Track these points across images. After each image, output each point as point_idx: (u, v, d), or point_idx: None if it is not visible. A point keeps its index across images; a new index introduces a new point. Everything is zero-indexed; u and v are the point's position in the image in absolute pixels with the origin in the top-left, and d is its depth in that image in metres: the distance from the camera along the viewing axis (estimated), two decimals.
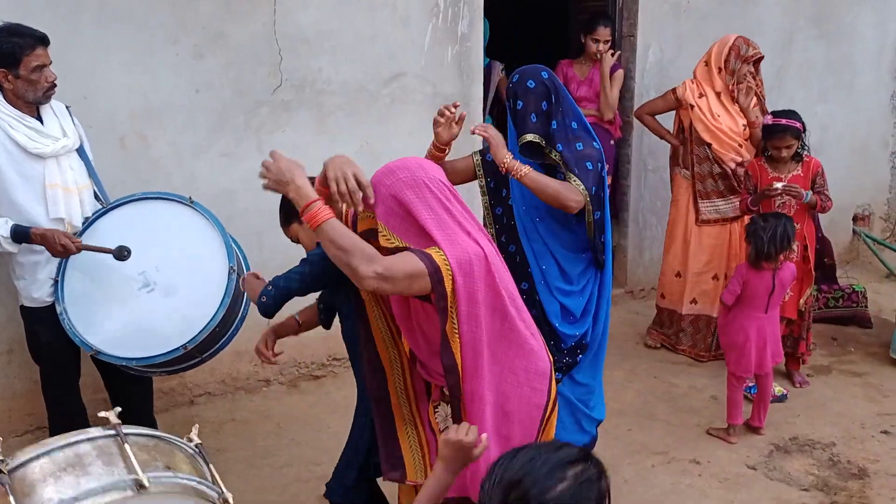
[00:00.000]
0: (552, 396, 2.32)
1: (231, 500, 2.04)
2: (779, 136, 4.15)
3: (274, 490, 3.46)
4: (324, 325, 2.82)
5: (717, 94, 4.57)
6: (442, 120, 2.87)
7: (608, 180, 3.44)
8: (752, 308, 3.87)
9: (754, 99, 4.60)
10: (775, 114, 4.23)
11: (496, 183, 3.08)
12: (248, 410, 4.15)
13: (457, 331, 2.12)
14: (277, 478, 3.55)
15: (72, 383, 3.31)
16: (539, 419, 2.29)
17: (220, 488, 2.05)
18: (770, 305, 3.87)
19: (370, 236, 2.16)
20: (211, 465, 2.13)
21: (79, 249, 3.00)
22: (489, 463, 1.91)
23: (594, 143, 2.97)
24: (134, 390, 3.36)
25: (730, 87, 4.53)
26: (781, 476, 3.60)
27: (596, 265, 3.10)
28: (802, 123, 4.19)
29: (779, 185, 4.12)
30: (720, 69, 4.53)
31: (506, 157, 2.84)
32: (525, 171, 2.83)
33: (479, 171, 3.09)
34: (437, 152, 2.96)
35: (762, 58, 4.59)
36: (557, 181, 2.88)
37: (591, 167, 2.92)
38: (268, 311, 2.59)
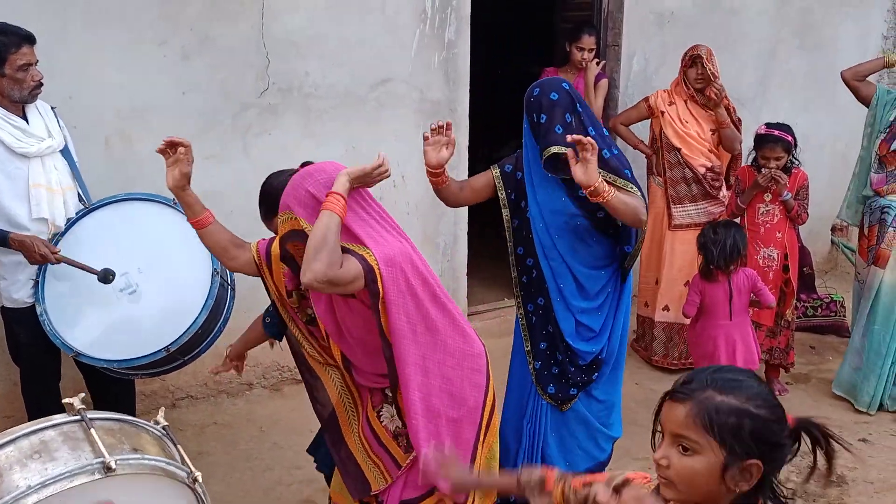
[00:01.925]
0: (490, 378, 2.45)
1: (200, 478, 2.04)
2: (769, 146, 4.20)
3: (256, 493, 3.44)
4: (275, 337, 2.76)
5: (686, 101, 4.63)
6: (430, 137, 2.80)
7: None
8: (716, 317, 3.89)
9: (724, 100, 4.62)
10: (769, 125, 4.29)
11: (516, 195, 2.97)
12: (231, 414, 4.13)
13: (388, 322, 2.22)
14: (259, 481, 3.54)
15: (51, 384, 3.29)
16: (482, 402, 2.41)
17: (189, 467, 2.05)
18: (734, 312, 3.88)
19: (294, 237, 2.24)
20: (179, 446, 2.12)
21: (58, 261, 2.99)
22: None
23: (620, 153, 2.94)
24: (116, 391, 3.34)
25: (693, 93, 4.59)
26: None
27: (619, 279, 3.00)
28: (794, 138, 4.24)
29: (769, 168, 4.15)
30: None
31: (598, 178, 2.64)
32: (612, 194, 2.68)
33: (498, 183, 2.99)
34: (433, 177, 2.89)
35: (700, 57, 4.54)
36: (632, 197, 2.77)
37: (631, 176, 2.86)
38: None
